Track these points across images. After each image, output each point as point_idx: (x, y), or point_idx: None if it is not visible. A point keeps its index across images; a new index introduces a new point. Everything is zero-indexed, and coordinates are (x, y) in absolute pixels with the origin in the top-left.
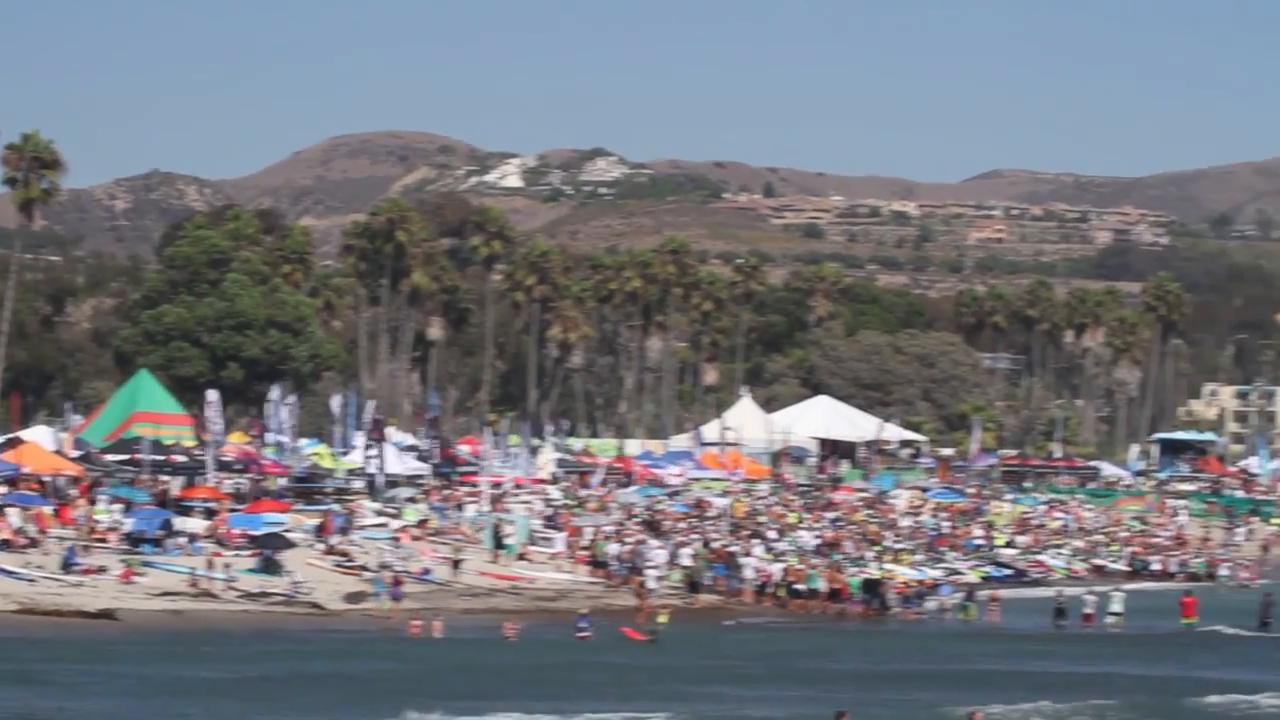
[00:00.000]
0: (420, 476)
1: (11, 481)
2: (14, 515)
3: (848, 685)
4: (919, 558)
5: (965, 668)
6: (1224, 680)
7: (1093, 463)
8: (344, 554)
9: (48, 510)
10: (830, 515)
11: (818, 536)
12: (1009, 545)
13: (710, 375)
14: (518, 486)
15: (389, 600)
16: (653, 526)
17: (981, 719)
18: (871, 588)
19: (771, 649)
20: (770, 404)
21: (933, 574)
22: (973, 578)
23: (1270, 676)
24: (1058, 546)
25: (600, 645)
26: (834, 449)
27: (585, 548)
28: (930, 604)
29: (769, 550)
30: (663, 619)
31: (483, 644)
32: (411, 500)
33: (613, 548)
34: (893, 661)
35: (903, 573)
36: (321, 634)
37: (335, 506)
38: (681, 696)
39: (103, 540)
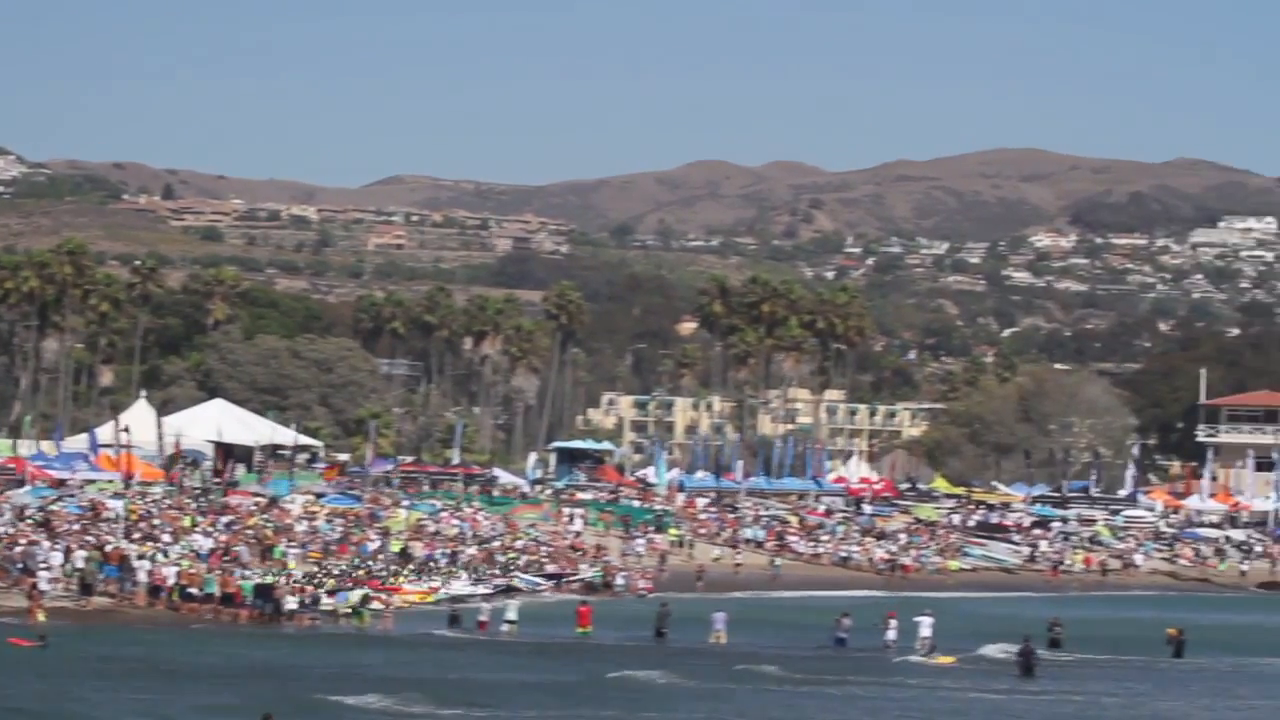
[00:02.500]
0: None
1: None
2: None
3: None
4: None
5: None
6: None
7: (490, 470)
8: None
9: None
10: (225, 519)
11: (212, 540)
12: (405, 552)
13: (106, 377)
14: None
15: None
16: (46, 527)
17: None
18: (264, 592)
19: (145, 652)
20: (166, 407)
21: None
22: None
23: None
24: (454, 555)
25: None
26: (230, 453)
27: None
28: (324, 609)
29: (163, 554)
30: (41, 617)
31: None
32: None
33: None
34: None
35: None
36: None
37: None
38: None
39: None
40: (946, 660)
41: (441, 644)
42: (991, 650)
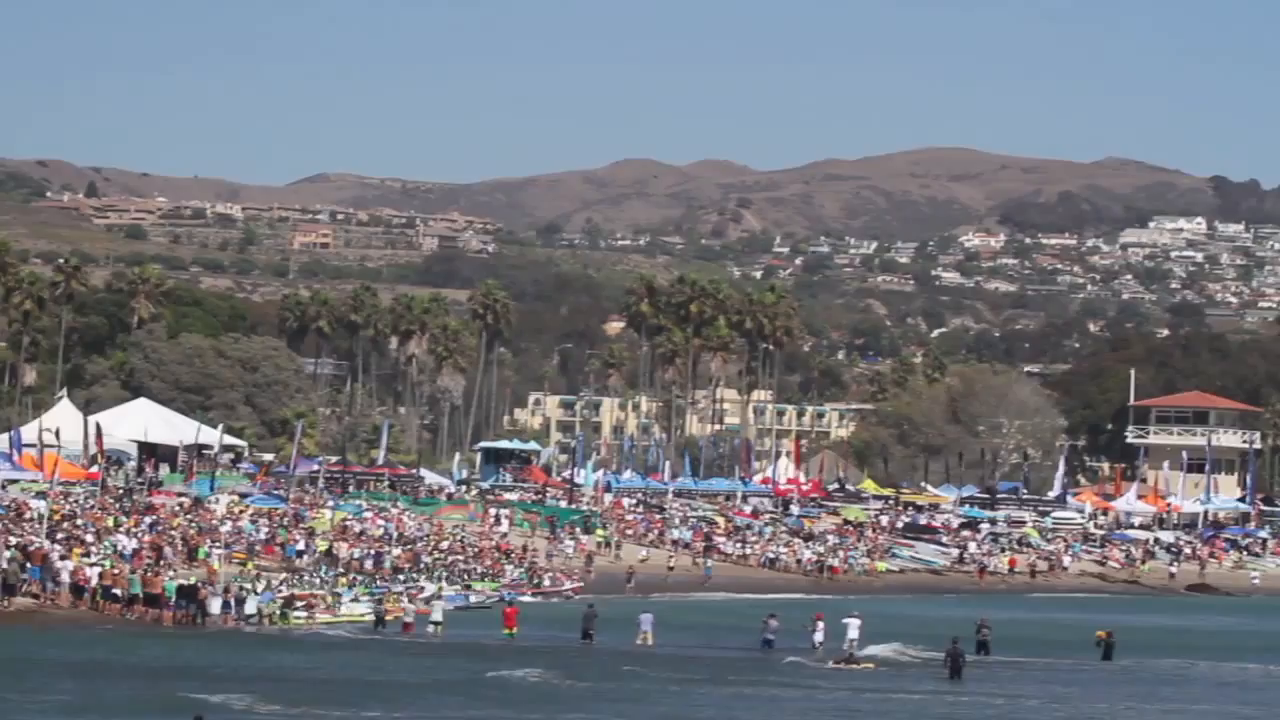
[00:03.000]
0: None
1: None
2: None
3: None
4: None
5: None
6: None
7: (416, 470)
8: None
9: None
10: (149, 520)
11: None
12: (329, 551)
13: (30, 376)
14: None
15: None
16: None
17: None
18: (188, 593)
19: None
20: (90, 406)
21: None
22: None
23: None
24: (379, 557)
25: None
26: (154, 452)
27: None
28: (249, 610)
29: (86, 554)
30: None
31: None
32: None
33: None
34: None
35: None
36: None
37: None
38: None
39: None
40: (868, 666)
41: (356, 645)
42: (878, 650)
